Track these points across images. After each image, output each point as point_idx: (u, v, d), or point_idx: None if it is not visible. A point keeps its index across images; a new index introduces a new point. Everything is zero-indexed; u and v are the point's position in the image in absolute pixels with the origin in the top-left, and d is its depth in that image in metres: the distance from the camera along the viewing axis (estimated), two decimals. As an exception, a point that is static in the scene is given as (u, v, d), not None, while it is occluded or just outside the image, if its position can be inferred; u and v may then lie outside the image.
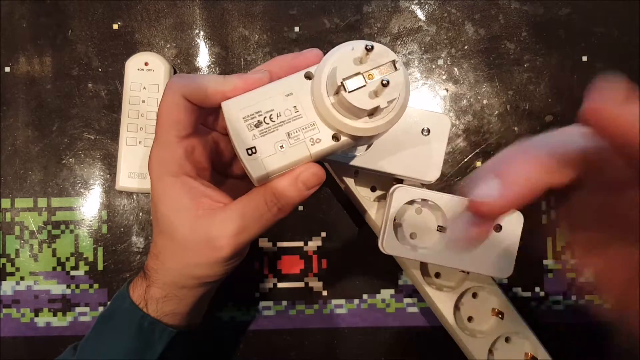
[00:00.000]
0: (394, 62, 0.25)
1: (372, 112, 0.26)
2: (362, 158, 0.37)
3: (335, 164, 0.41)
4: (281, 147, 0.27)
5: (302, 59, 0.28)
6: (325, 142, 0.27)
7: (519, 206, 0.22)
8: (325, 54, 0.27)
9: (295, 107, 0.27)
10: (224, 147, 0.33)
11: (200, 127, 0.31)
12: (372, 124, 0.26)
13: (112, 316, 0.33)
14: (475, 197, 0.22)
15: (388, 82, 0.25)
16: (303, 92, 0.27)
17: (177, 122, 0.28)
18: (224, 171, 0.34)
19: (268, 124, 0.27)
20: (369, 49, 0.25)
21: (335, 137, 0.27)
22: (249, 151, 0.26)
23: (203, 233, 0.28)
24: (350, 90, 0.25)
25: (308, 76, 0.27)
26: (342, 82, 0.25)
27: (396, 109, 0.26)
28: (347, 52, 0.26)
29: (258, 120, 0.27)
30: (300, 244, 0.46)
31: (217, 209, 0.29)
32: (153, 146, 0.29)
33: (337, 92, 0.26)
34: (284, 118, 0.27)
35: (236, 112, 0.27)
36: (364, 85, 0.25)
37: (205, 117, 0.32)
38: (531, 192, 0.22)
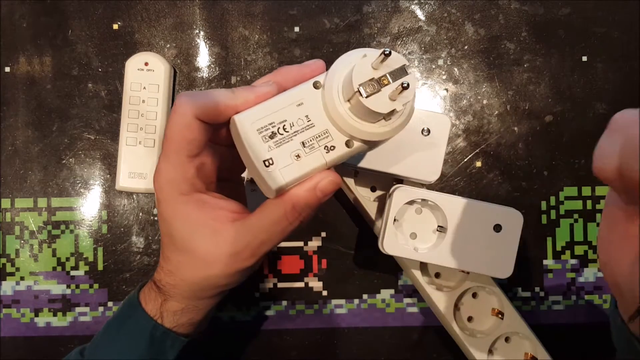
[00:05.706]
0: (404, 66, 0.26)
1: (387, 116, 0.26)
2: (362, 158, 0.37)
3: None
4: (297, 156, 0.27)
5: (307, 70, 0.28)
6: (340, 149, 0.27)
7: None
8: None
9: (307, 116, 0.27)
10: (226, 157, 0.33)
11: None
12: (386, 128, 0.27)
13: (123, 325, 0.33)
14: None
15: (408, 85, 0.25)
16: (313, 101, 0.27)
17: (188, 143, 0.28)
18: (220, 177, 0.34)
19: (282, 134, 0.27)
20: (387, 54, 0.25)
21: (349, 143, 0.27)
22: (266, 163, 0.26)
23: (227, 246, 0.28)
24: (366, 95, 0.25)
25: (316, 85, 0.27)
26: (358, 88, 0.25)
27: (407, 112, 0.27)
28: (360, 59, 0.26)
29: (272, 132, 0.27)
30: (300, 244, 0.46)
31: (236, 222, 0.29)
32: (161, 165, 0.29)
33: (350, 98, 0.26)
34: (298, 128, 0.27)
35: (249, 125, 0.27)
36: (380, 90, 0.25)
37: (213, 132, 0.32)
38: None
